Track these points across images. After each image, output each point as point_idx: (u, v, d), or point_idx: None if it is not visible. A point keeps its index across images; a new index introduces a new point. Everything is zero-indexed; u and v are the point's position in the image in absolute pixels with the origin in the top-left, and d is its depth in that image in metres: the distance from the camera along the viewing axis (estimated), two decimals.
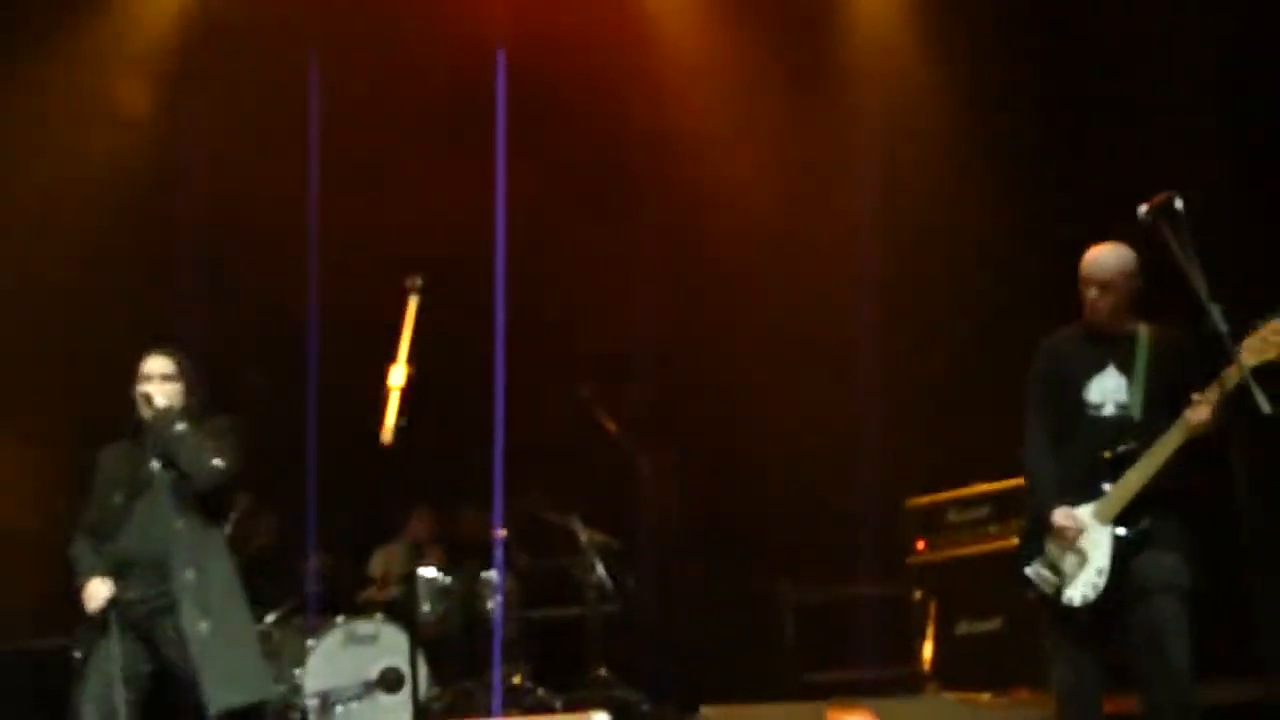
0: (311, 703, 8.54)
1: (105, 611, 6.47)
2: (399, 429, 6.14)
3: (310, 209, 9.94)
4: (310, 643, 8.70)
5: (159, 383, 6.69)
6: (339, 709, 8.54)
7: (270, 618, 9.05)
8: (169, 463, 6.63)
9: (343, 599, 9.23)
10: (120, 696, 6.37)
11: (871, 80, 10.57)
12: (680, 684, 8.93)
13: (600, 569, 9.21)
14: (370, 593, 9.63)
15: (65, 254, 9.87)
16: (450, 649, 9.06)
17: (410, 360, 6.36)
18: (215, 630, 6.47)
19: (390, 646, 8.60)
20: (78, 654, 6.57)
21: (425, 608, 8.98)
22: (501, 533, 9.15)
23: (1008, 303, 8.97)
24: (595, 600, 9.33)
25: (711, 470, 10.34)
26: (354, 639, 8.66)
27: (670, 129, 10.57)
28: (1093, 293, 6.21)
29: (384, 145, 10.18)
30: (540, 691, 8.90)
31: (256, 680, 6.70)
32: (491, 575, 9.16)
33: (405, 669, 8.42)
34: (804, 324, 10.41)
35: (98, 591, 6.49)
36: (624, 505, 9.95)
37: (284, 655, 8.93)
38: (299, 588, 9.27)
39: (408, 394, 6.23)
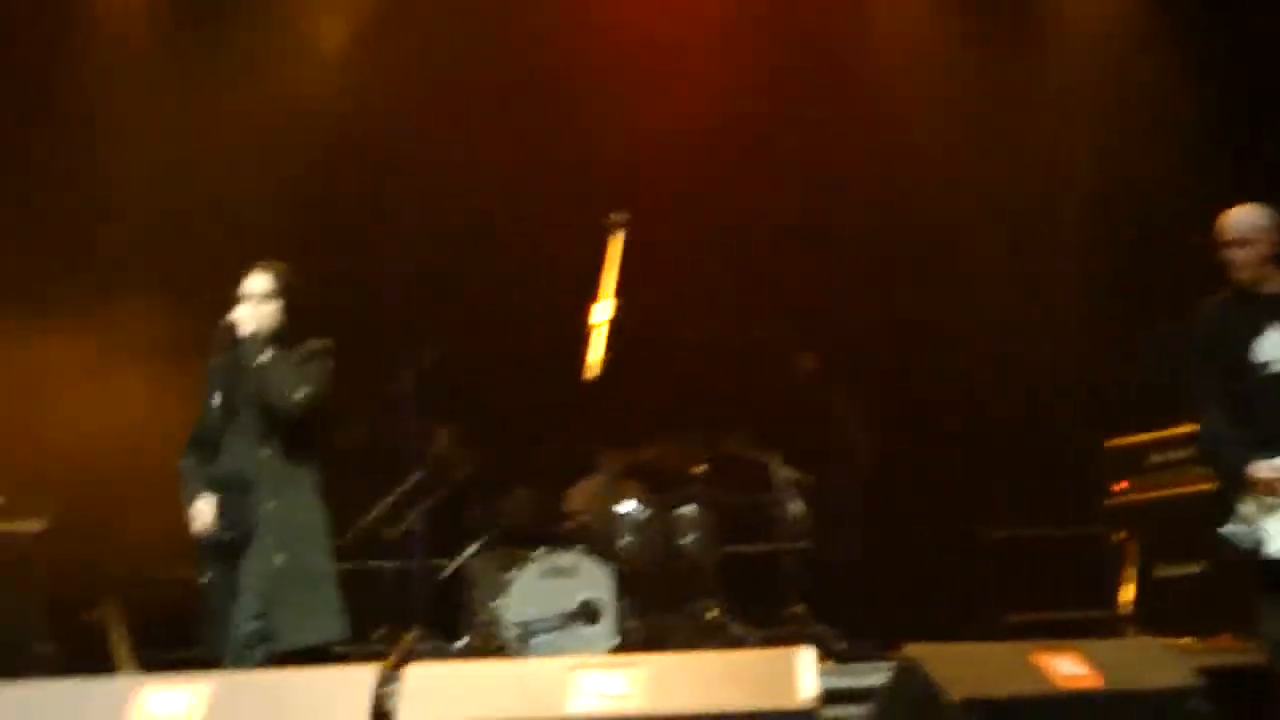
0: (511, 633, 8.61)
1: (209, 534, 6.40)
2: (604, 363, 6.23)
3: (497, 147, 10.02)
4: (510, 575, 8.79)
5: (256, 302, 6.49)
6: (537, 640, 8.60)
7: (470, 549, 9.29)
8: (255, 389, 6.47)
9: (542, 532, 9.34)
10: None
11: (1078, 35, 10.47)
12: (875, 622, 8.91)
13: (797, 505, 9.24)
14: (569, 526, 9.76)
15: (277, 189, 10.09)
16: (647, 582, 9.12)
17: (614, 295, 6.44)
18: (290, 566, 6.36)
19: (589, 579, 8.68)
20: (204, 580, 6.48)
21: (623, 541, 9.05)
22: (701, 468, 9.22)
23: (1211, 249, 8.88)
24: (791, 537, 9.37)
25: (910, 408, 10.31)
26: (553, 571, 8.74)
27: (882, 75, 10.53)
28: (1231, 252, 6.35)
29: (593, 78, 10.27)
30: (736, 627, 8.94)
31: (327, 622, 6.49)
32: (688, 510, 9.24)
33: (604, 601, 8.57)
34: (1004, 267, 10.35)
35: (201, 513, 6.41)
36: (821, 442, 9.97)
37: (482, 587, 9.14)
38: (498, 520, 9.43)
39: (612, 329, 6.32)
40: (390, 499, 9.41)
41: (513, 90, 10.07)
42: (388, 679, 5.15)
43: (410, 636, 9.04)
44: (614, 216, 6.74)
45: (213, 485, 6.45)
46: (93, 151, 10.26)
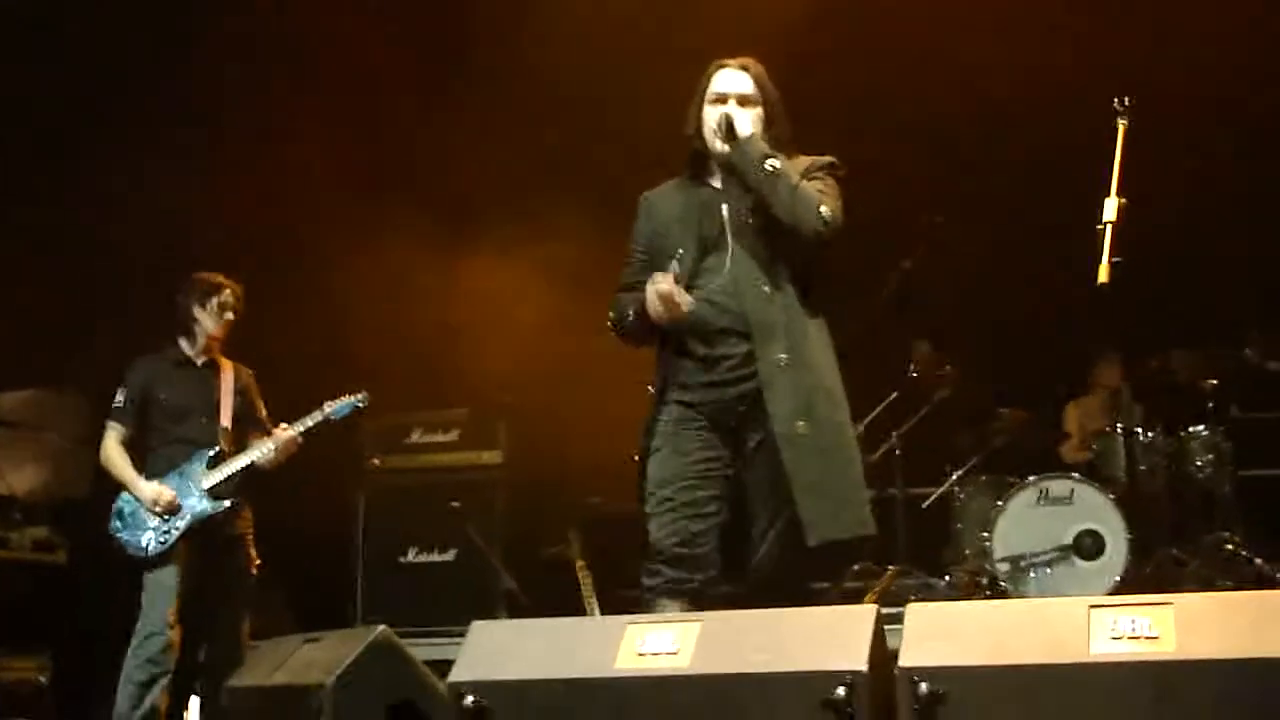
0: (1001, 567, 8.51)
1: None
2: (1114, 268, 6.04)
3: None
4: (999, 504, 8.67)
5: (735, 105, 5.42)
6: (1031, 575, 8.48)
7: (954, 476, 9.27)
8: (757, 210, 5.37)
9: (1035, 456, 9.18)
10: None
11: None
12: None
13: None
14: (1064, 450, 9.61)
15: None
16: (1153, 511, 8.83)
17: (1121, 192, 6.23)
18: (815, 436, 5.23)
19: (1087, 508, 8.48)
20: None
21: (1124, 465, 8.79)
22: (1213, 382, 8.90)
23: None
24: None
25: None
26: (1047, 499, 8.60)
27: None
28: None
29: None
30: (1259, 561, 8.49)
31: (862, 511, 5.32)
32: (1199, 430, 8.89)
33: (1104, 532, 8.37)
34: None
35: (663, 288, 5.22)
36: None
37: (968, 518, 9.09)
38: (985, 444, 9.34)
39: (1120, 229, 6.12)
40: (866, 420, 9.33)
41: None
42: (885, 619, 5.04)
43: (892, 572, 9.07)
44: (1117, 102, 6.49)
45: (692, 336, 5.38)
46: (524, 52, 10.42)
